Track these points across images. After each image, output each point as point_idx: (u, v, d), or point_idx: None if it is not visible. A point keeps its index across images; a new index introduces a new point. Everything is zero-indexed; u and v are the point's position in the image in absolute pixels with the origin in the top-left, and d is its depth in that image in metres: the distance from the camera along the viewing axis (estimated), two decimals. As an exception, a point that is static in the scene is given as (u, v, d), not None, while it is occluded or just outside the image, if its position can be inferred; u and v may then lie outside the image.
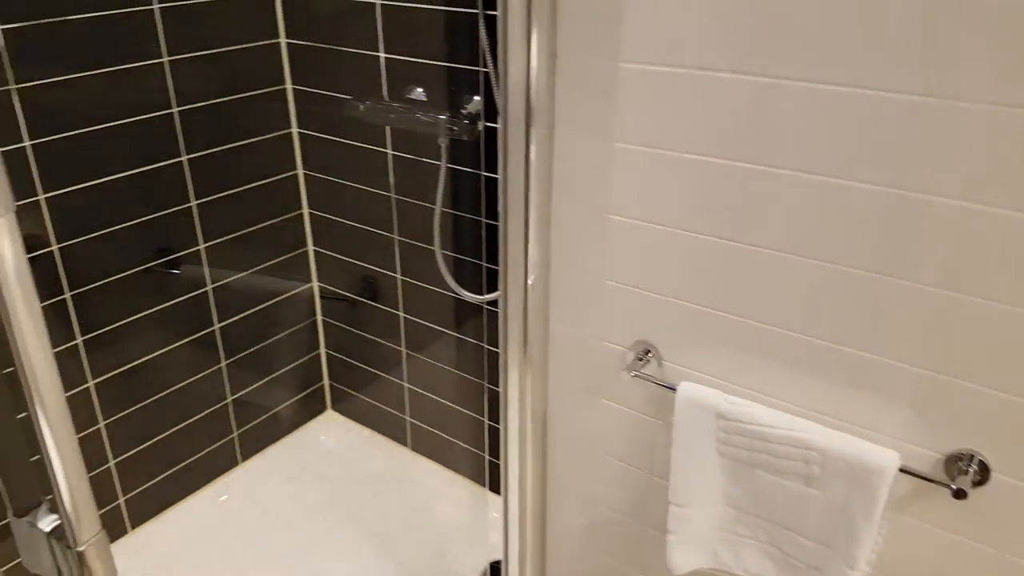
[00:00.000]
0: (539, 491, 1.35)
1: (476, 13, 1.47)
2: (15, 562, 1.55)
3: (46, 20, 1.45)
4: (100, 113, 1.57)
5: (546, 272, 1.19)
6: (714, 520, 1.11)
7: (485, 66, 1.52)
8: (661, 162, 1.00)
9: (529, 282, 1.15)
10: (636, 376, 1.10)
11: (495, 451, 1.95)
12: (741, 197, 0.96)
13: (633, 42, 0.97)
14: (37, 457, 0.63)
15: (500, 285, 1.17)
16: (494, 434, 1.92)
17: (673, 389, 1.08)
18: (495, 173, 1.62)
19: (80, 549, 0.63)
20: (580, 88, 1.04)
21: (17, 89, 1.44)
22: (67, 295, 1.61)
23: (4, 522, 0.70)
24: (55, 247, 1.57)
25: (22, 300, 0.50)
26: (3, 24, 1.38)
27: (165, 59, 1.65)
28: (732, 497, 1.08)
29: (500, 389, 1.22)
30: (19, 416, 0.65)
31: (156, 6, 1.60)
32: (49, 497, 0.67)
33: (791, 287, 0.97)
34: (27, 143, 1.48)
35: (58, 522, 0.67)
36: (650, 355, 1.11)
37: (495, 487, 2.00)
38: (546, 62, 1.04)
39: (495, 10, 1.44)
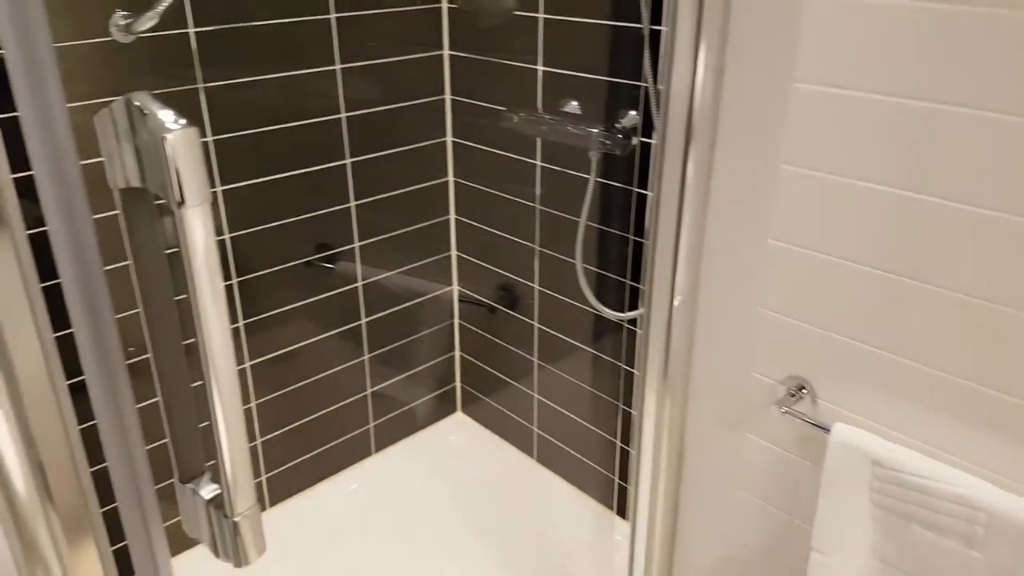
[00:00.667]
0: (669, 520, 1.31)
1: (640, 28, 1.46)
2: (175, 519, 1.68)
3: (234, 25, 1.56)
4: (276, 114, 1.68)
5: (694, 294, 1.15)
6: (859, 572, 1.04)
7: (645, 81, 1.51)
8: (830, 188, 0.95)
9: (675, 303, 1.12)
10: (786, 413, 1.05)
11: (625, 475, 1.91)
12: (918, 231, 0.89)
13: (809, 62, 0.93)
14: (204, 425, 0.68)
15: (643, 304, 1.15)
16: (625, 457, 1.89)
17: (826, 430, 1.02)
18: (647, 189, 1.60)
19: (235, 519, 0.67)
20: (747, 107, 1.01)
21: (204, 88, 1.56)
22: (234, 281, 1.73)
23: (168, 482, 0.75)
24: (227, 236, 1.69)
25: (208, 281, 0.53)
26: (196, 27, 1.51)
27: (337, 67, 1.74)
28: (881, 550, 1.01)
29: (635, 412, 1.20)
30: (193, 386, 0.70)
31: (332, 15, 1.70)
32: (211, 464, 0.72)
33: (970, 332, 0.89)
34: (210, 138, 1.60)
35: (218, 491, 0.72)
36: (804, 391, 1.06)
37: (622, 511, 1.96)
38: (712, 79, 1.02)
39: (661, 25, 1.42)
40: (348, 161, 1.84)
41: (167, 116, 0.48)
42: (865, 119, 0.90)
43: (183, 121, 0.48)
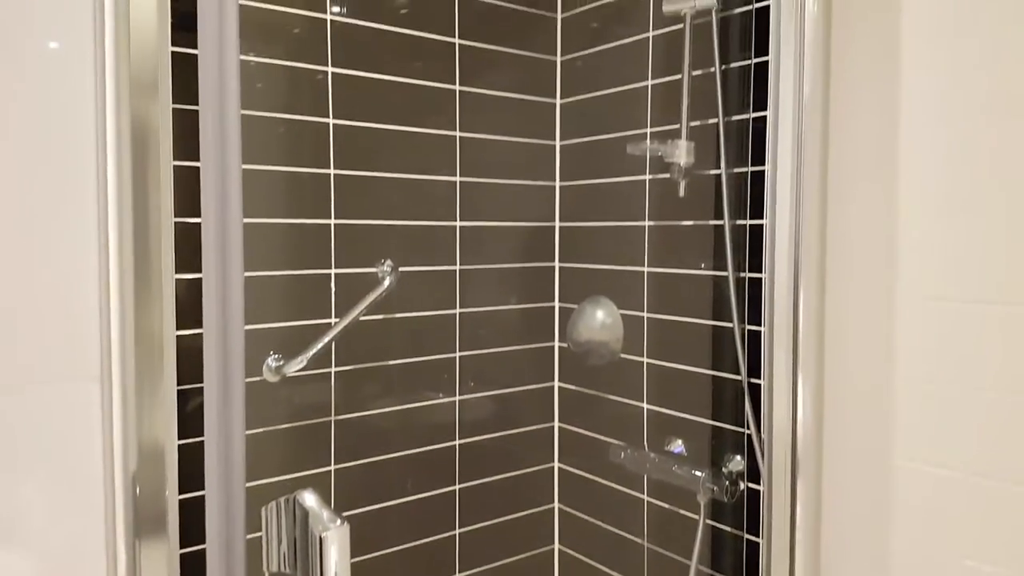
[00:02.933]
0: None
1: (740, 380, 1.54)
2: None
3: (371, 364, 1.74)
4: (394, 442, 1.79)
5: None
6: None
7: (748, 428, 1.55)
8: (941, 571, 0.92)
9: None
10: None
11: None
12: None
13: (906, 438, 0.95)
14: None
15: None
16: None
17: None
18: (758, 536, 1.55)
19: None
20: (849, 464, 1.02)
21: (335, 421, 1.71)
22: (336, 610, 1.72)
23: None
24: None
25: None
26: (337, 367, 1.69)
27: (456, 398, 1.88)
28: None
29: None
30: None
31: (457, 354, 1.87)
32: None
33: None
34: (332, 467, 1.71)
35: None
36: None
37: None
38: (813, 428, 1.05)
39: (759, 378, 1.49)
40: (456, 487, 1.90)
41: (327, 515, 0.55)
42: (965, 502, 0.89)
43: (339, 521, 0.55)
